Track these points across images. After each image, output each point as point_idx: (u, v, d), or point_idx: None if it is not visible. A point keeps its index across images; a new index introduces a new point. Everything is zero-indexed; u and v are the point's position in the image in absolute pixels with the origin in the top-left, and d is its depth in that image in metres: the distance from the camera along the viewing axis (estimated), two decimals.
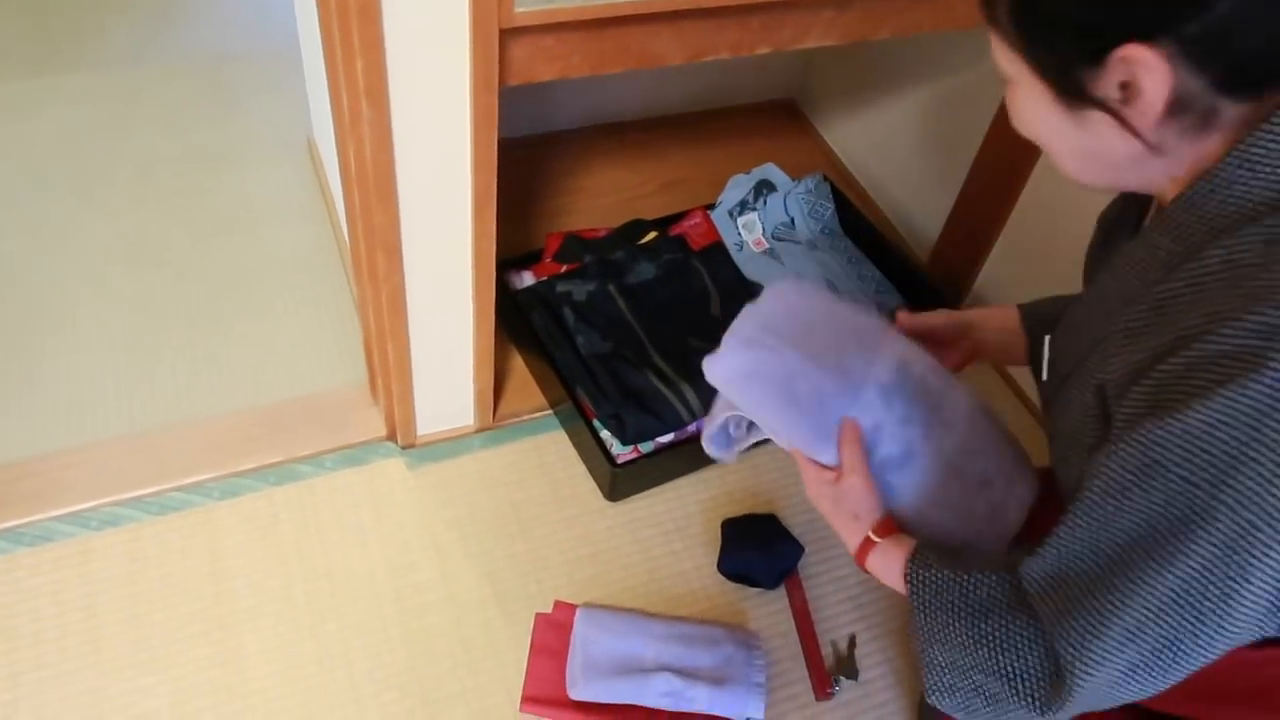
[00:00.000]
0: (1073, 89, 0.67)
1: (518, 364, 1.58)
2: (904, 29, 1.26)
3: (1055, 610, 0.72)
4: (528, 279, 1.61)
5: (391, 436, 1.45)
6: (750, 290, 1.66)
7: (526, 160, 1.93)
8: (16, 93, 1.97)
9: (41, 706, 1.15)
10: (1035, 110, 0.71)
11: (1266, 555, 0.63)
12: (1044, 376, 0.90)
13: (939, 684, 0.81)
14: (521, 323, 1.53)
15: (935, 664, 0.81)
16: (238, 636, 1.24)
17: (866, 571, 0.89)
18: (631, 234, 1.67)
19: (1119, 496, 0.67)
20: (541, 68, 1.08)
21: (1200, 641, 0.66)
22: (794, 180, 1.82)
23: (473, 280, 1.26)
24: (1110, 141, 0.68)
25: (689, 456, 1.45)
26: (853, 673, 1.28)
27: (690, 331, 1.55)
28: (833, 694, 1.26)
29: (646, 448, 1.41)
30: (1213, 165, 0.66)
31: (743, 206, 1.78)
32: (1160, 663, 0.68)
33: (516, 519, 1.40)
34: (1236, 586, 0.64)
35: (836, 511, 0.91)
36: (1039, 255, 1.59)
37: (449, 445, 1.47)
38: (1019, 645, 0.75)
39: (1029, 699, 0.75)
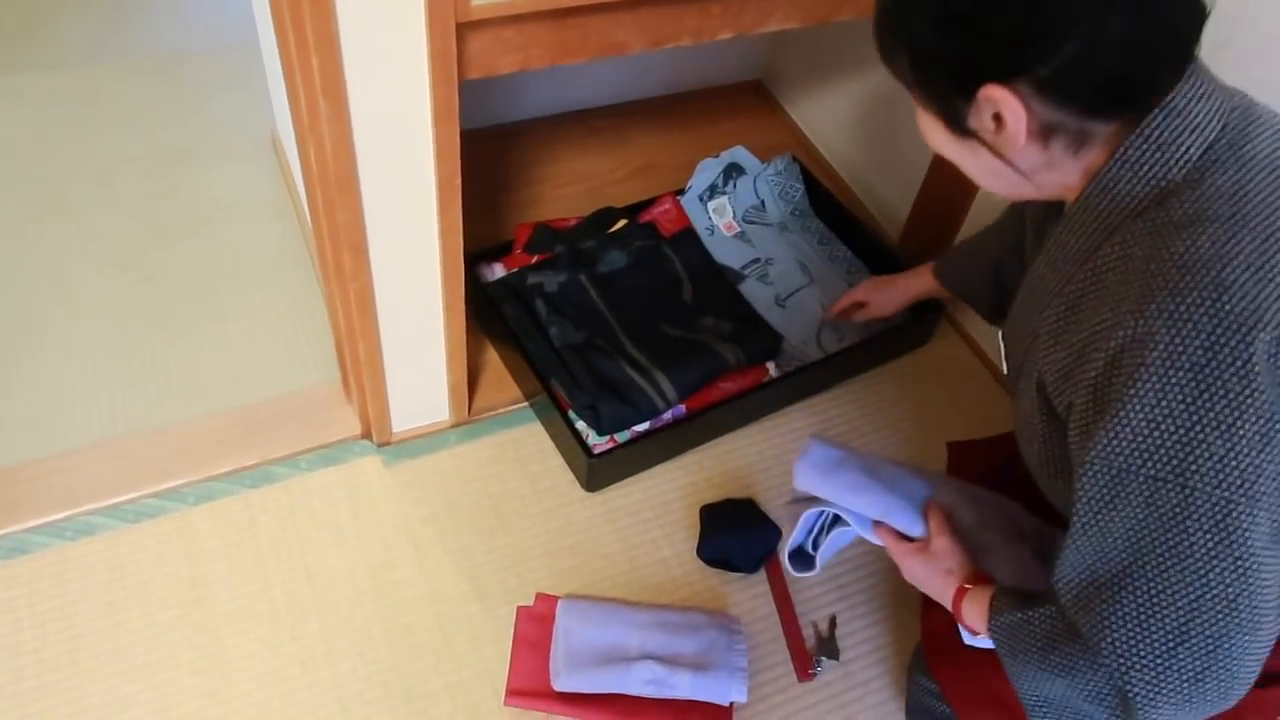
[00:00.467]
0: (954, 121, 0.75)
1: (492, 357, 1.57)
2: (865, 9, 1.26)
3: (1092, 626, 0.75)
4: (499, 271, 1.60)
5: (367, 434, 1.45)
6: (722, 275, 1.66)
7: (494, 150, 1.91)
8: None
9: None
10: (935, 136, 0.79)
11: (1255, 523, 0.67)
12: (1005, 370, 0.96)
13: (1036, 708, 0.85)
14: (494, 315, 1.52)
15: (1034, 704, 0.85)
16: (219, 641, 1.23)
17: (964, 623, 0.93)
18: (602, 222, 1.66)
19: (1106, 509, 0.72)
20: (502, 60, 1.07)
21: (1244, 626, 0.70)
22: (763, 162, 1.82)
23: (441, 275, 1.26)
24: (999, 162, 0.76)
25: (665, 444, 1.45)
26: (834, 653, 1.29)
27: (663, 319, 1.55)
28: (815, 674, 1.27)
29: (623, 437, 1.41)
30: (1100, 169, 0.74)
31: (712, 191, 1.77)
32: (1220, 663, 0.71)
33: (495, 513, 1.40)
34: (1245, 561, 0.68)
35: (931, 573, 0.96)
36: None
37: (425, 441, 1.46)
38: (1084, 668, 0.78)
39: (1115, 716, 0.78)
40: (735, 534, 1.36)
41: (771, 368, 1.52)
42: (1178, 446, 0.67)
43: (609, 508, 1.42)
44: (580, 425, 1.41)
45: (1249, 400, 0.66)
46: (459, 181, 1.15)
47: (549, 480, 1.44)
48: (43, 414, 1.43)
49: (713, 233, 1.75)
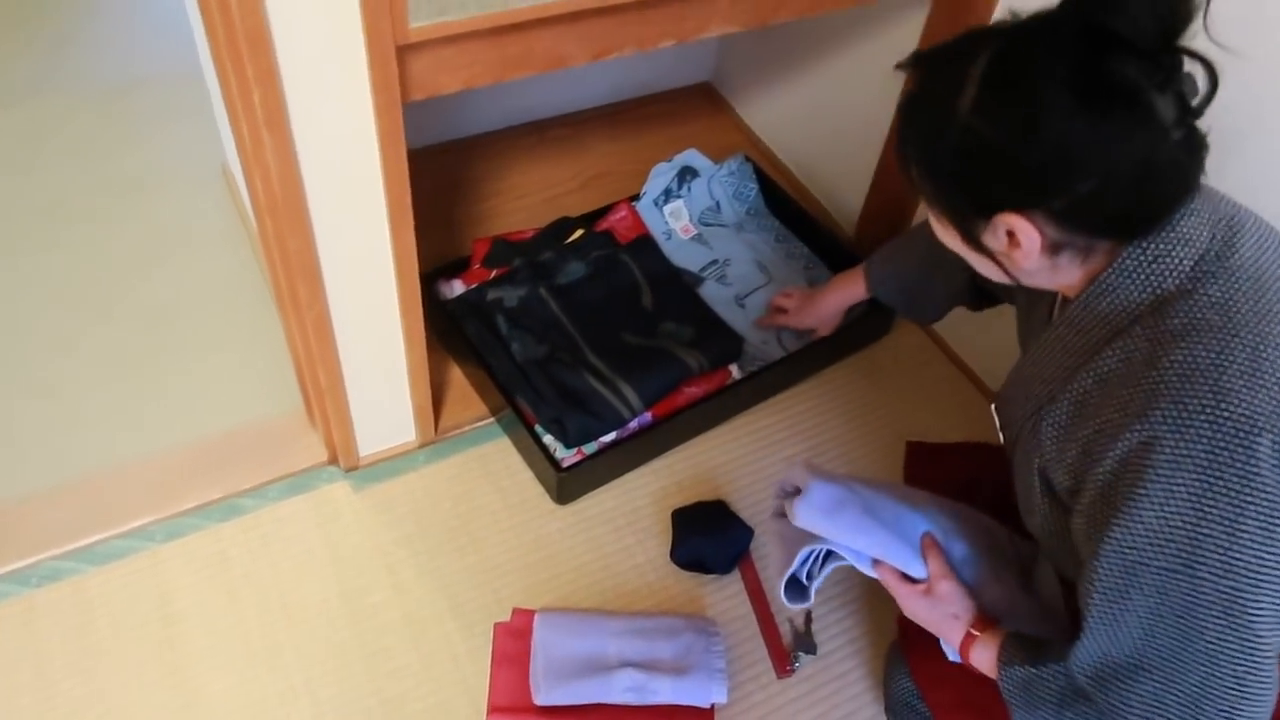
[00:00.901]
0: (968, 235, 0.82)
1: (456, 375, 1.57)
2: (803, 10, 1.28)
3: (1111, 705, 0.81)
4: (458, 288, 1.60)
5: (333, 460, 1.44)
6: (681, 280, 1.67)
7: (447, 166, 1.91)
8: None
9: None
10: (944, 233, 0.86)
11: (1260, 609, 0.73)
12: (1001, 439, 1.02)
13: None
14: (455, 333, 1.52)
15: None
16: (195, 679, 1.22)
17: (970, 666, 0.97)
18: (558, 233, 1.67)
19: (1122, 598, 0.78)
20: (445, 80, 1.07)
21: (1251, 699, 0.76)
22: (716, 164, 1.83)
23: (398, 297, 1.25)
24: (1003, 270, 0.83)
25: (633, 453, 1.46)
26: (811, 647, 1.31)
27: (624, 327, 1.55)
28: (793, 670, 1.29)
29: (590, 448, 1.42)
30: (1100, 273, 0.81)
31: (667, 195, 1.78)
32: None
33: (467, 531, 1.40)
34: (1251, 642, 0.74)
35: (939, 617, 0.99)
36: None
37: (393, 463, 1.46)
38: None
39: None
40: (707, 536, 1.37)
41: (734, 370, 1.54)
42: (1186, 541, 0.73)
43: (581, 518, 1.43)
44: (547, 439, 1.42)
45: (1250, 497, 0.71)
46: (410, 203, 1.15)
47: (519, 495, 1.44)
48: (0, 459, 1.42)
49: (670, 237, 1.76)
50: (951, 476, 1.18)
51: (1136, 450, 0.75)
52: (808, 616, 1.34)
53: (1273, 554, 0.73)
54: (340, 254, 1.15)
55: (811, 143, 1.97)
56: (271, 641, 1.26)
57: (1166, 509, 0.73)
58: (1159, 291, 0.78)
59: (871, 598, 1.37)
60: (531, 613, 1.30)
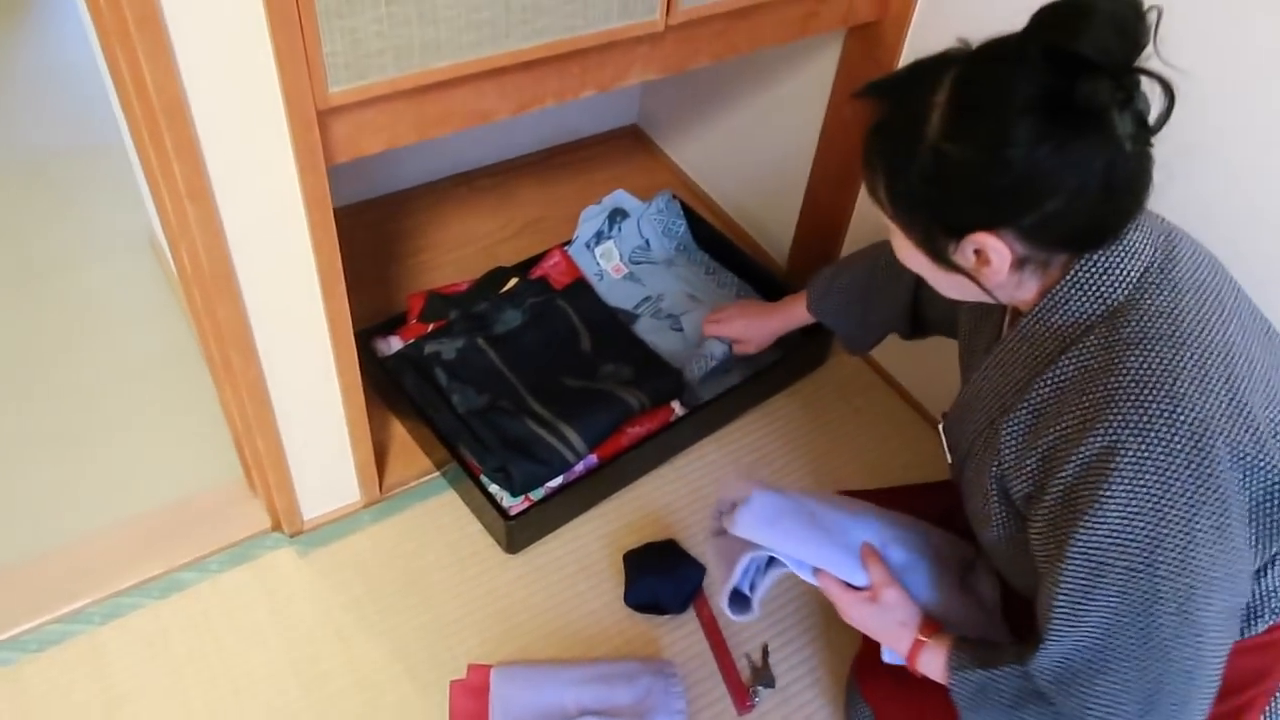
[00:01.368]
0: (938, 255, 0.85)
1: (398, 430, 1.56)
2: (719, 54, 1.31)
3: (1073, 703, 0.85)
4: (395, 344, 1.59)
5: (277, 527, 1.42)
6: (617, 320, 1.68)
7: (377, 222, 1.91)
8: None
9: None
10: (911, 256, 0.89)
11: (1209, 604, 0.78)
12: (949, 460, 1.04)
13: None
14: (395, 389, 1.51)
15: None
16: None
17: (917, 671, 1.00)
18: (493, 283, 1.67)
19: (1085, 599, 0.81)
20: (368, 141, 1.07)
21: (1201, 691, 0.82)
22: (644, 202, 1.85)
23: (334, 357, 1.24)
24: (971, 284, 0.86)
25: (581, 496, 1.46)
26: (769, 681, 1.31)
27: (564, 372, 1.56)
28: (753, 705, 1.29)
29: (538, 495, 1.42)
30: (1053, 287, 0.84)
31: (598, 237, 1.80)
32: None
33: (418, 588, 1.38)
34: (1201, 637, 0.79)
35: (884, 625, 1.01)
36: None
37: (338, 525, 1.44)
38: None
39: None
40: (660, 576, 1.37)
41: (677, 406, 1.55)
42: (1147, 540, 0.77)
43: (532, 567, 1.42)
44: (493, 488, 1.41)
45: (1203, 499, 0.76)
46: (340, 264, 1.15)
47: (469, 547, 1.43)
48: None
49: (602, 278, 1.77)
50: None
51: (1099, 455, 0.78)
52: (764, 650, 1.35)
53: (1224, 553, 0.77)
54: (272, 320, 1.14)
55: (739, 178, 2.01)
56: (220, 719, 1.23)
57: (1129, 510, 0.77)
58: (1109, 302, 0.82)
59: (828, 628, 1.38)
60: (488, 668, 1.28)
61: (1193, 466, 0.75)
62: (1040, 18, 0.75)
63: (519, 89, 1.15)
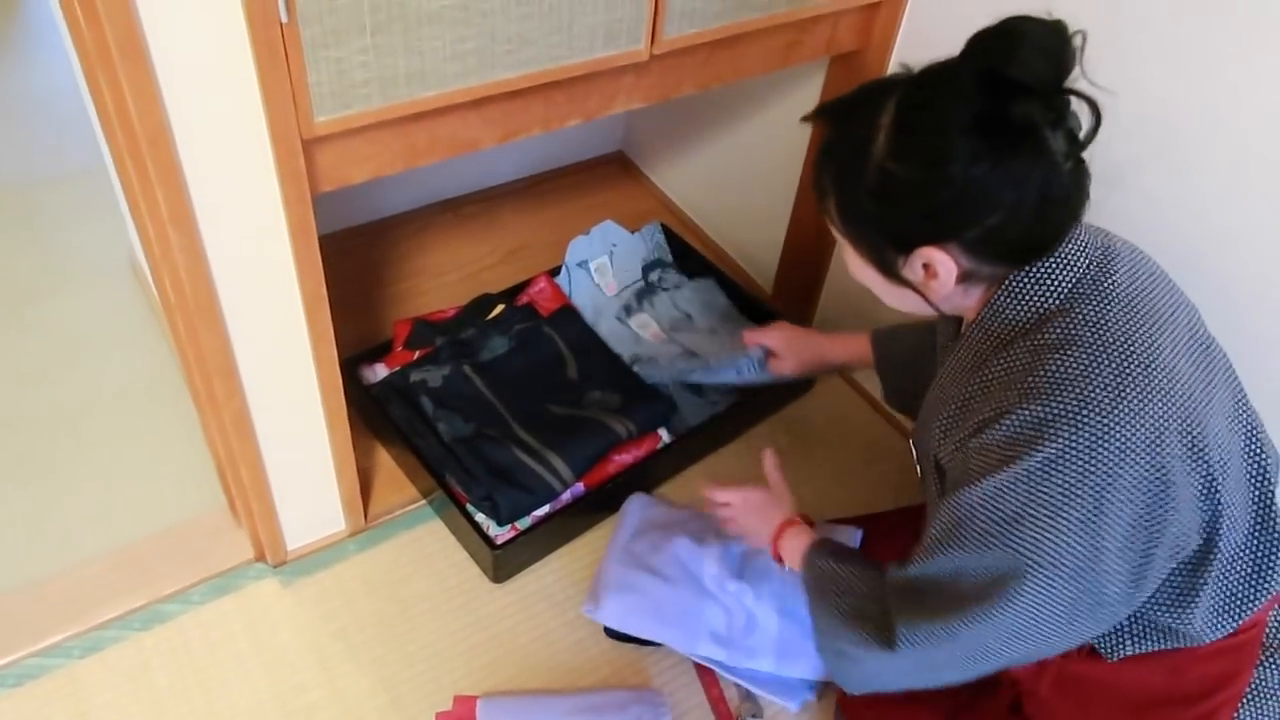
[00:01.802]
0: (887, 269, 0.90)
1: (384, 459, 1.55)
2: (704, 82, 1.32)
3: (910, 610, 0.92)
4: (381, 371, 1.58)
5: (260, 557, 1.40)
6: (604, 347, 1.67)
7: (363, 249, 1.90)
8: None
9: None
10: (861, 270, 0.94)
11: (1064, 588, 0.83)
12: (918, 470, 1.10)
13: (819, 643, 1.05)
14: (380, 417, 1.51)
15: (818, 628, 1.05)
16: None
17: (778, 556, 1.16)
18: (479, 310, 1.67)
19: (945, 542, 0.89)
20: (353, 170, 1.08)
21: (1013, 653, 0.89)
22: (631, 232, 1.86)
23: (319, 385, 1.24)
24: (917, 297, 0.92)
25: (568, 525, 1.45)
26: (757, 710, 1.30)
27: (550, 399, 1.55)
28: None
29: (524, 523, 1.41)
30: (993, 297, 0.89)
31: (584, 264, 1.80)
32: (963, 659, 0.92)
33: (404, 618, 1.36)
34: (1025, 615, 0.85)
35: (764, 519, 1.20)
36: None
37: (323, 555, 1.43)
38: (865, 620, 0.98)
39: (870, 646, 0.96)
40: None
41: (664, 434, 1.54)
42: (1011, 513, 0.83)
43: (519, 596, 1.41)
44: (480, 517, 1.40)
45: (1077, 493, 0.80)
46: (325, 293, 1.14)
47: (456, 577, 1.42)
48: None
49: (599, 292, 1.77)
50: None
51: (1001, 443, 0.84)
52: None
53: (1086, 550, 0.81)
54: (256, 347, 1.14)
55: (725, 204, 2.02)
56: None
57: (1002, 487, 0.83)
58: (1041, 310, 0.86)
59: None
60: (474, 699, 1.27)
61: (1080, 462, 0.80)
62: (974, 44, 0.80)
63: (505, 118, 1.16)
